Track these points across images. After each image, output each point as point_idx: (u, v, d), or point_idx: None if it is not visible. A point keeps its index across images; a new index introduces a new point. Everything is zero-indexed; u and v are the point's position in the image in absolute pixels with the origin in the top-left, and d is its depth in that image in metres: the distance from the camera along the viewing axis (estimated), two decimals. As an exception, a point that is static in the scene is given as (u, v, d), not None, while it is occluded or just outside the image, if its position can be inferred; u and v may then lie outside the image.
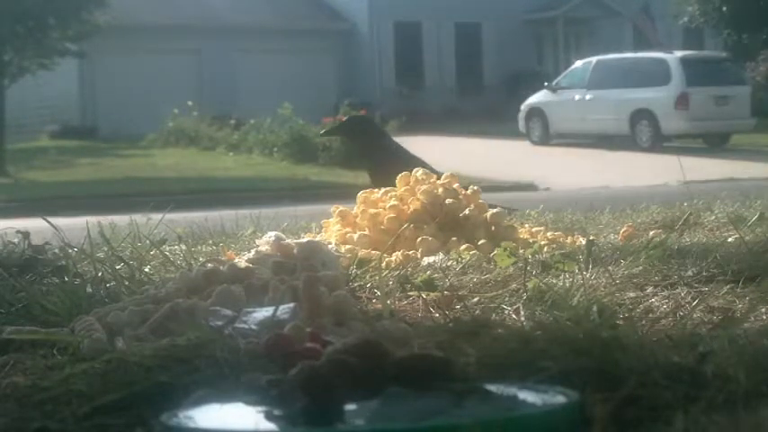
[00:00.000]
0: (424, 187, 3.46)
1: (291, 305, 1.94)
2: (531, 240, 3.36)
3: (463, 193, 3.53)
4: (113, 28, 25.39)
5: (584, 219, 4.49)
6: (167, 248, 3.30)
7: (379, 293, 2.29)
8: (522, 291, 2.23)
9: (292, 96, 23.27)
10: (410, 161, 4.17)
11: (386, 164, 4.12)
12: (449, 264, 2.79)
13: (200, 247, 3.49)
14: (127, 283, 2.48)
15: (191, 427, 1.24)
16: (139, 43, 28.18)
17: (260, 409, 1.28)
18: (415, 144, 20.52)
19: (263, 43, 29.82)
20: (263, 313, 1.90)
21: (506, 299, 2.22)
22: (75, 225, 3.83)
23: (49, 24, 22.88)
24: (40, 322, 2.10)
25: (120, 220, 4.46)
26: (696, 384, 1.31)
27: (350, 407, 1.26)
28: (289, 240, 2.60)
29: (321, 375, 1.27)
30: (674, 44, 27.52)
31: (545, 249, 3.06)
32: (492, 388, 1.31)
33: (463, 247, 3.13)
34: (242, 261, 2.52)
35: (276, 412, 1.26)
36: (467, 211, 3.39)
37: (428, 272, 2.62)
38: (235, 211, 6.18)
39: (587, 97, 21.85)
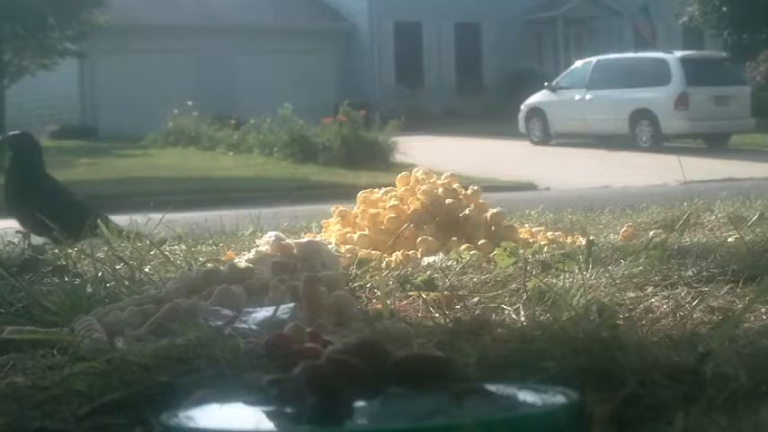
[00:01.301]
0: (424, 187, 3.46)
1: (291, 305, 1.94)
2: (531, 240, 3.36)
3: (463, 193, 3.53)
4: (113, 28, 25.38)
5: (585, 219, 4.49)
6: (167, 248, 3.30)
7: (379, 293, 2.29)
8: (522, 291, 2.23)
9: (292, 96, 23.25)
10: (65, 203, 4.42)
11: (35, 193, 4.35)
12: (449, 264, 2.79)
13: (200, 247, 3.49)
14: (127, 283, 2.48)
15: (191, 427, 1.24)
16: (139, 43, 28.17)
17: (260, 408, 1.28)
18: (414, 144, 20.31)
19: (263, 43, 29.81)
20: (263, 313, 1.90)
21: (506, 299, 2.22)
22: (75, 225, 3.82)
23: (48, 24, 22.89)
24: (40, 322, 2.10)
25: (120, 220, 4.46)
26: (696, 384, 1.31)
27: (350, 407, 1.26)
28: (289, 240, 2.60)
29: (326, 374, 1.27)
30: (674, 44, 27.51)
31: (545, 249, 3.06)
32: (492, 388, 1.31)
33: (463, 247, 3.13)
34: (242, 261, 2.52)
35: (277, 412, 1.26)
36: (467, 211, 3.39)
37: (428, 272, 2.62)
38: (235, 211, 6.18)
39: (587, 97, 21.84)
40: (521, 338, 1.49)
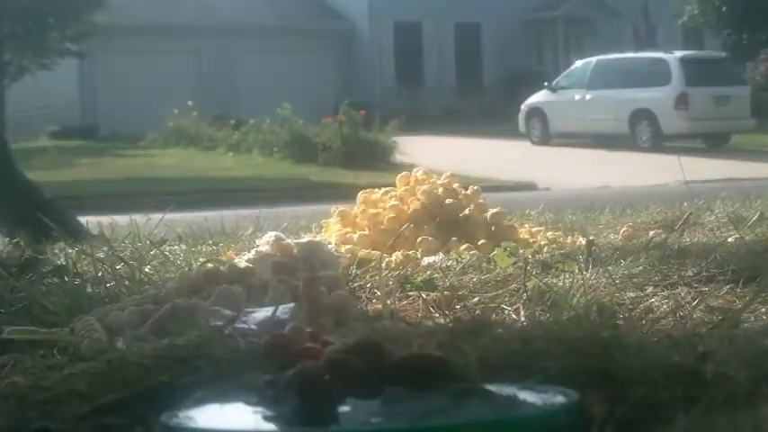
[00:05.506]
0: (424, 187, 3.46)
1: (291, 305, 1.94)
2: (531, 240, 3.36)
3: (463, 193, 3.53)
4: (113, 28, 25.38)
5: (584, 219, 4.49)
6: (167, 248, 3.29)
7: (379, 293, 2.29)
8: (522, 291, 2.23)
9: (292, 96, 23.23)
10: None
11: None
12: (449, 264, 2.79)
13: (200, 247, 3.49)
14: (127, 283, 2.48)
15: (191, 427, 1.24)
16: (139, 43, 28.17)
17: (259, 409, 1.28)
18: (415, 144, 20.29)
19: (263, 43, 29.82)
20: (263, 313, 1.90)
21: (506, 299, 2.22)
22: (75, 225, 3.82)
23: (48, 24, 22.90)
24: (40, 322, 2.10)
25: (120, 220, 4.46)
26: (696, 384, 1.31)
27: (350, 407, 1.26)
28: (289, 240, 2.60)
29: (317, 376, 1.27)
30: (674, 44, 27.50)
31: (545, 249, 3.06)
32: (492, 388, 1.31)
33: (463, 247, 3.13)
34: (242, 261, 2.52)
35: (274, 413, 1.26)
36: (467, 211, 3.39)
37: (428, 272, 2.62)
38: (235, 211, 6.18)
39: (587, 97, 21.84)
40: (521, 338, 1.49)
